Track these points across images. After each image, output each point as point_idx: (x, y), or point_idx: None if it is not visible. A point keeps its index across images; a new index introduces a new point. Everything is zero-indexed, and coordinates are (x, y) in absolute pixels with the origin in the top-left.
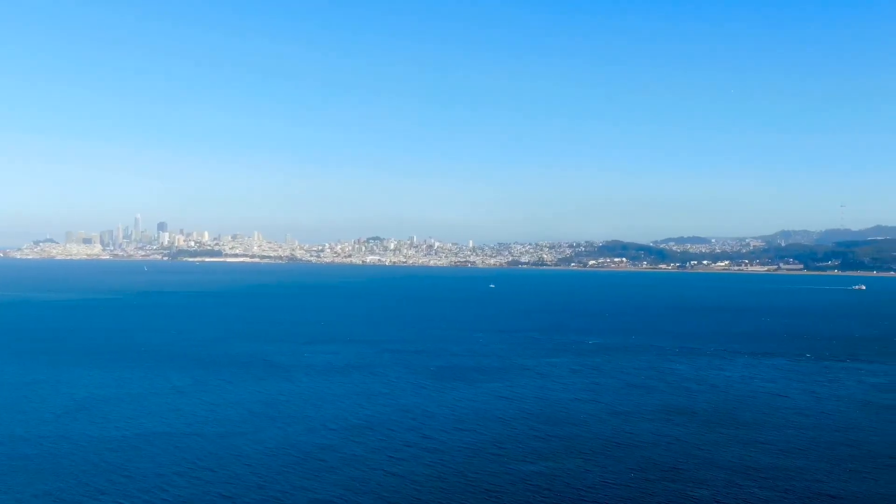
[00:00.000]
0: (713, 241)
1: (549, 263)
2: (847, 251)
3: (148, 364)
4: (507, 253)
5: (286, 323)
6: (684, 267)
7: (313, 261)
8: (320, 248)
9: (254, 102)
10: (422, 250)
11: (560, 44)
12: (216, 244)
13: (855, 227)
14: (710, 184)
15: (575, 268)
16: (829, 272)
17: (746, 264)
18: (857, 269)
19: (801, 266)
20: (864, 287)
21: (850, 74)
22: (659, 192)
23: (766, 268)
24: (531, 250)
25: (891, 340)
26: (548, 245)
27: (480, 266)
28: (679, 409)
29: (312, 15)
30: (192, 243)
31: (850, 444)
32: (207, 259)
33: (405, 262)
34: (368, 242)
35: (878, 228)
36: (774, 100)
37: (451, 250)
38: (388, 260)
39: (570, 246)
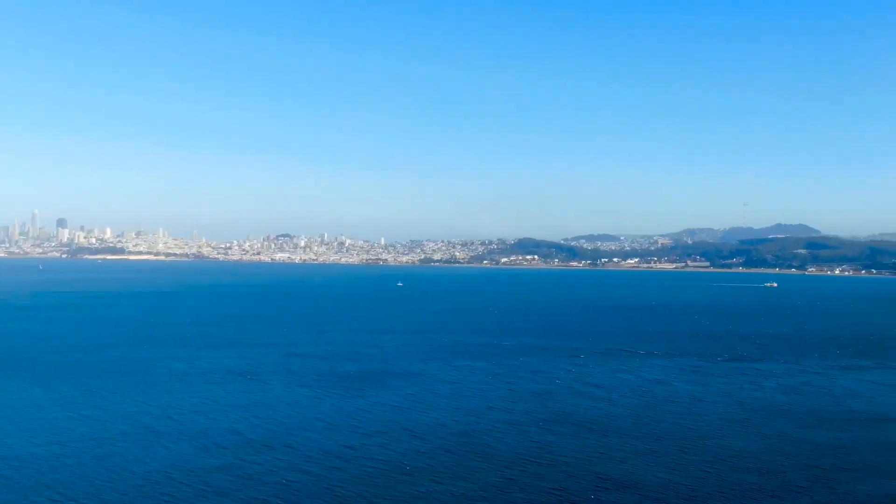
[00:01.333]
0: (622, 238)
1: (461, 261)
2: (751, 249)
3: (24, 374)
4: (419, 250)
5: (185, 325)
6: (595, 264)
7: (221, 258)
8: (228, 245)
9: (161, 91)
10: (333, 248)
11: (476, 35)
12: (119, 241)
13: (757, 225)
14: (619, 182)
15: (487, 265)
16: (734, 269)
17: (655, 262)
18: (760, 267)
19: (708, 264)
20: (775, 284)
21: (751, 76)
22: (570, 190)
23: (674, 265)
24: (444, 248)
25: (802, 339)
26: (460, 242)
27: (392, 263)
28: (600, 418)
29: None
30: (94, 241)
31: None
32: (109, 257)
33: (316, 259)
34: (278, 240)
35: (779, 227)
36: (677, 99)
37: (362, 248)
38: (299, 258)
39: (483, 243)
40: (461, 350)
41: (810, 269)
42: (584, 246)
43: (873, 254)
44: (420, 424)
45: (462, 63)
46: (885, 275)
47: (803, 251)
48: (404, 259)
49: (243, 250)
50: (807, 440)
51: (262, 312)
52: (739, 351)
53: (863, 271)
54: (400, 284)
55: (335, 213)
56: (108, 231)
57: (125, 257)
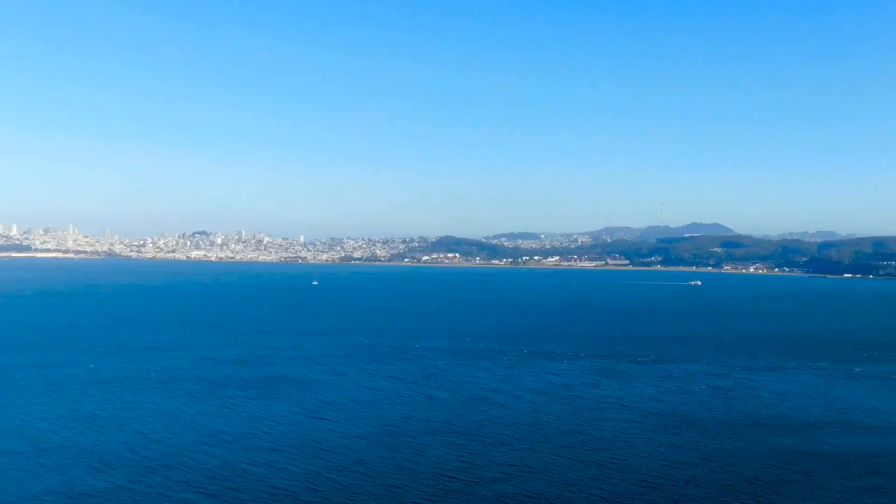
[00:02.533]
0: (543, 236)
1: (382, 259)
2: (668, 247)
3: None
4: (339, 248)
5: (83, 327)
6: (517, 263)
7: (134, 256)
8: (141, 242)
9: (68, 78)
10: (251, 245)
11: (399, 37)
12: (26, 239)
13: (673, 223)
14: (540, 180)
15: (408, 264)
16: (653, 267)
17: (576, 260)
18: (678, 265)
19: (628, 262)
20: (699, 283)
21: (665, 79)
22: (491, 188)
23: (594, 263)
24: (364, 245)
25: (727, 338)
26: (381, 240)
27: (312, 262)
28: (526, 427)
29: None
30: None
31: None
32: (14, 254)
33: (233, 257)
34: (194, 237)
35: (695, 225)
36: (594, 99)
37: (281, 245)
38: (215, 256)
39: (404, 241)
40: (379, 353)
41: (726, 267)
42: (506, 244)
43: (785, 252)
44: (335, 437)
45: (384, 57)
46: (797, 273)
47: (719, 250)
48: (324, 257)
49: (157, 248)
50: (736, 450)
51: (169, 314)
52: (668, 352)
53: (776, 269)
54: (315, 283)
55: (254, 210)
56: (14, 228)
57: (32, 255)
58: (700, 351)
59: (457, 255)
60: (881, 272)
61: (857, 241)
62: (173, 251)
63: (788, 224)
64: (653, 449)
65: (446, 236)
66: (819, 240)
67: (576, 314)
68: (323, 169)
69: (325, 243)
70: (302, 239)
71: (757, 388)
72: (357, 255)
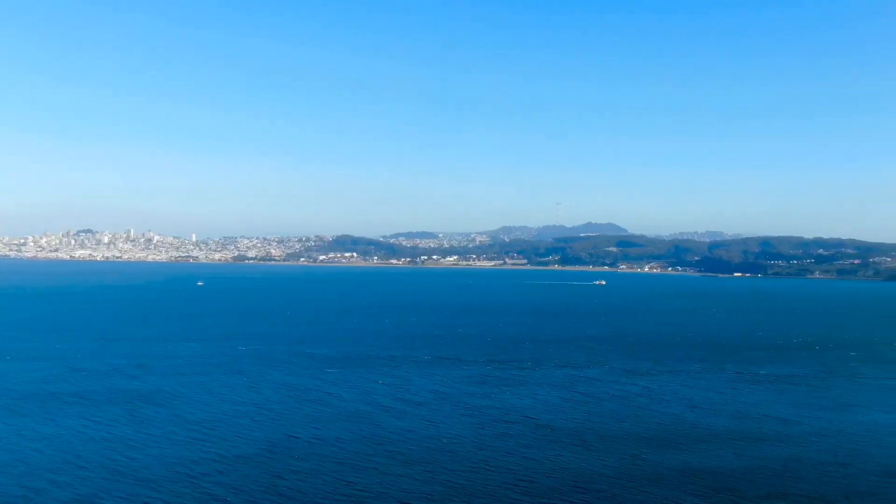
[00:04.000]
0: (441, 235)
1: (277, 258)
2: (566, 246)
3: None
4: (232, 247)
5: None
6: (415, 262)
7: (13, 255)
8: (22, 241)
9: None
10: (139, 244)
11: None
12: None
13: (569, 223)
14: (438, 179)
15: (305, 263)
16: (550, 267)
17: (475, 259)
18: (575, 264)
19: (526, 261)
20: (604, 282)
21: (559, 77)
22: (389, 187)
23: (493, 263)
24: (259, 245)
25: (627, 340)
26: (276, 239)
27: (204, 261)
28: (427, 444)
29: None
30: None
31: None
32: None
33: (120, 257)
34: (79, 235)
35: (590, 225)
36: (491, 100)
37: (172, 244)
38: (101, 255)
39: (300, 240)
40: (266, 362)
41: (622, 267)
42: (404, 243)
43: (677, 251)
44: (210, 460)
45: (278, 43)
46: (690, 272)
47: (615, 249)
48: (217, 257)
49: (39, 247)
50: (654, 467)
51: (39, 319)
52: (572, 356)
53: (669, 268)
54: (200, 284)
55: (144, 207)
56: None
57: None
58: (605, 354)
59: (354, 254)
60: (769, 271)
61: (745, 241)
62: (56, 250)
63: (679, 224)
64: (559, 467)
65: (343, 235)
66: (708, 240)
67: (479, 316)
68: (217, 165)
69: (218, 242)
70: (194, 238)
71: (664, 396)
72: (251, 254)
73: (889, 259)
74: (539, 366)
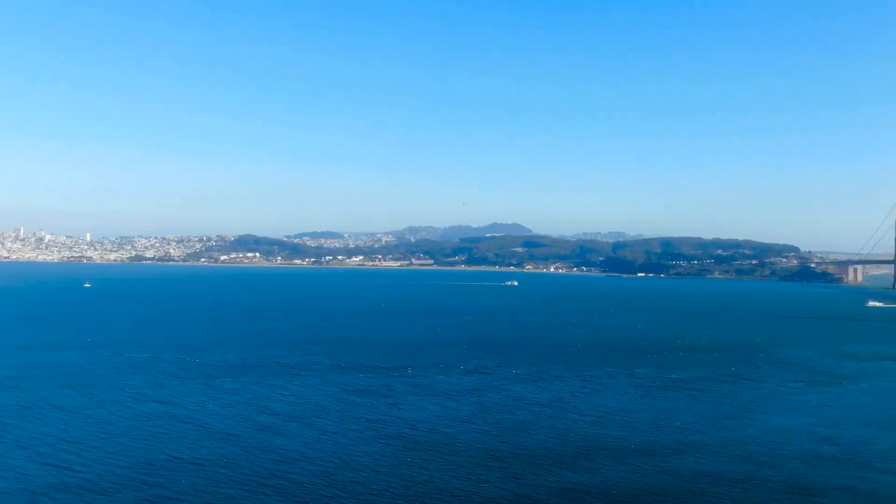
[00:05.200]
0: (346, 235)
1: (177, 259)
2: (472, 247)
3: None
4: (129, 247)
5: None
6: (319, 262)
7: None
8: None
9: None
10: (30, 244)
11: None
12: None
13: (475, 223)
14: (342, 178)
15: (205, 264)
16: (457, 267)
17: (380, 259)
18: (482, 265)
19: (432, 261)
20: (516, 283)
21: (464, 76)
22: (293, 186)
23: (399, 263)
24: (157, 245)
25: (534, 342)
26: (175, 239)
27: (99, 262)
28: (324, 465)
29: None
30: None
31: None
32: None
33: (8, 257)
34: None
35: (496, 225)
36: (393, 97)
37: (65, 244)
38: None
39: (201, 240)
40: (150, 371)
41: (528, 267)
42: (308, 243)
43: (582, 252)
44: (73, 491)
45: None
46: (595, 272)
47: (521, 249)
48: (112, 257)
49: None
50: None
51: None
52: (481, 361)
53: (574, 269)
54: (88, 285)
55: (35, 205)
56: None
57: None
58: (515, 359)
59: (257, 254)
60: (671, 271)
61: (647, 241)
62: None
63: (584, 224)
64: (469, 492)
65: (246, 235)
66: (612, 240)
67: (384, 319)
68: (114, 162)
69: (114, 242)
70: (88, 237)
71: (576, 404)
72: (149, 254)
73: (784, 260)
74: (447, 372)
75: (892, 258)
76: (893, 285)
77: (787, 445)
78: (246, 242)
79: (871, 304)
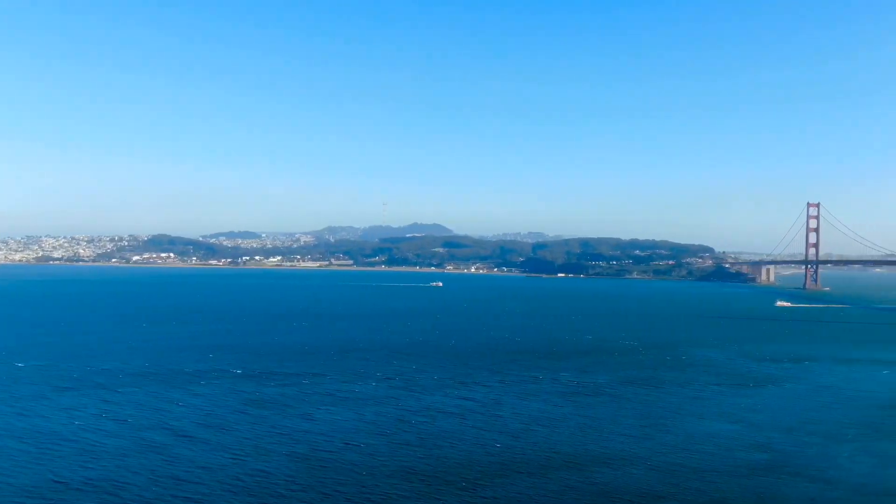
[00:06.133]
0: (264, 236)
1: (86, 259)
2: (392, 247)
3: None
4: (36, 247)
5: None
6: (236, 263)
7: None
8: None
9: None
10: None
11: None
12: None
13: (395, 223)
14: (260, 178)
15: (116, 264)
16: (377, 267)
17: (299, 260)
18: (402, 265)
19: (352, 262)
20: (441, 284)
21: (380, 78)
22: (209, 185)
23: (318, 263)
24: (66, 244)
25: (457, 346)
26: (85, 239)
27: (3, 262)
28: (218, 488)
29: None
30: None
31: None
32: None
33: None
34: None
35: (416, 226)
36: (310, 97)
37: None
38: None
39: (112, 240)
40: (44, 381)
41: (448, 267)
42: (225, 243)
43: (503, 252)
44: None
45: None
46: (515, 273)
47: (441, 250)
48: (17, 257)
49: None
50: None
51: None
52: (402, 366)
53: (495, 269)
54: None
55: None
56: None
57: None
58: (438, 363)
59: (171, 254)
60: (590, 272)
61: (567, 242)
62: None
63: (504, 225)
64: None
65: (160, 235)
66: (532, 241)
67: (301, 322)
68: (19, 158)
69: (19, 242)
70: None
71: (501, 412)
72: (57, 254)
73: (700, 260)
74: (365, 379)
75: (802, 259)
76: (804, 285)
77: (719, 453)
78: (160, 242)
79: (780, 303)
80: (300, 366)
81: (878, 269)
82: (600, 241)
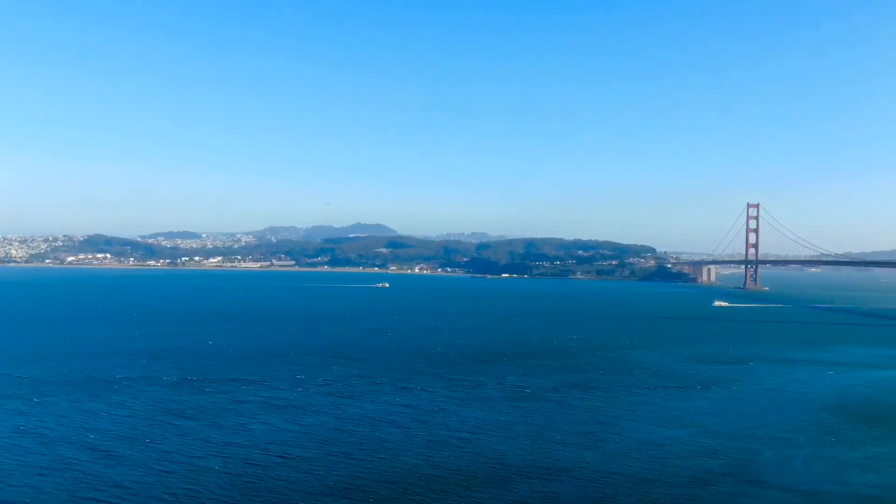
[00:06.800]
0: (205, 236)
1: (18, 260)
2: (335, 247)
3: None
4: None
5: None
6: (175, 264)
7: None
8: None
9: None
10: None
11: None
12: None
13: (338, 223)
14: (200, 177)
15: (50, 265)
16: (319, 268)
17: (240, 260)
18: (345, 266)
19: (294, 263)
20: (387, 285)
21: (321, 76)
22: (147, 185)
23: (259, 264)
24: None
25: (397, 348)
26: (18, 239)
27: None
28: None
29: None
30: None
31: None
32: None
33: None
34: None
35: (359, 226)
36: (255, 95)
37: None
38: None
39: (46, 240)
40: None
41: (392, 268)
42: (164, 244)
43: (447, 252)
44: None
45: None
46: (459, 273)
47: (385, 250)
48: None
49: None
50: None
51: None
52: (344, 371)
53: (439, 269)
54: None
55: None
56: None
57: None
58: (381, 368)
59: (108, 255)
60: (534, 272)
61: (511, 242)
62: None
63: (448, 225)
64: None
65: (96, 235)
66: (476, 241)
67: (239, 326)
68: None
69: None
70: None
71: (447, 419)
72: None
73: (642, 260)
74: (305, 384)
75: (742, 259)
76: (744, 285)
77: (674, 461)
78: (96, 243)
79: (717, 303)
80: (237, 372)
81: (813, 269)
82: (544, 241)
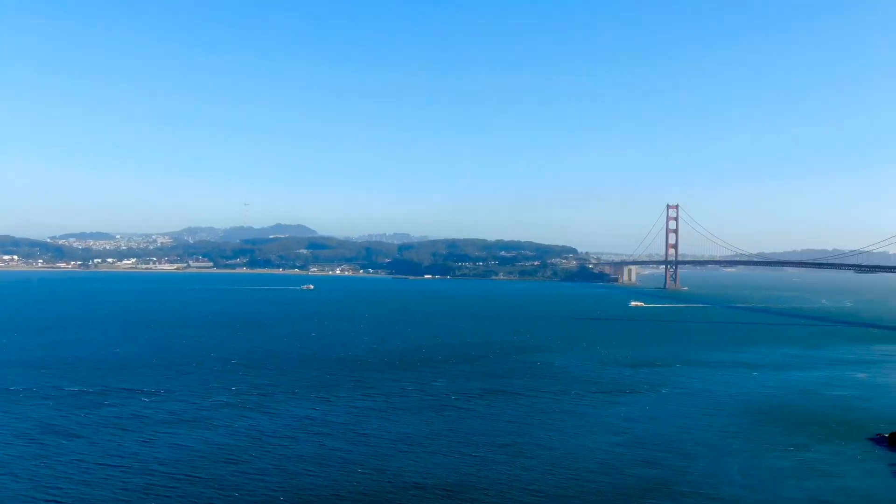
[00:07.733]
0: (119, 237)
1: None
2: (254, 248)
3: None
4: None
5: None
6: (87, 265)
7: None
8: None
9: None
10: None
11: None
12: None
13: (258, 224)
14: (114, 176)
15: None
16: (238, 269)
17: (155, 262)
18: (265, 267)
19: (211, 264)
20: (312, 287)
21: (234, 72)
22: (58, 185)
23: (175, 266)
24: None
25: (314, 354)
26: None
27: None
28: None
29: None
30: None
31: None
32: None
33: None
34: None
35: (280, 227)
36: (169, 93)
37: None
38: None
39: None
40: None
41: (312, 269)
42: (75, 245)
43: (369, 254)
44: None
45: None
46: (382, 274)
47: (305, 251)
48: None
49: None
50: None
51: None
52: (260, 380)
53: (361, 271)
54: None
55: None
56: None
57: None
58: (298, 375)
59: (15, 256)
60: (457, 273)
61: (433, 243)
62: None
63: (369, 226)
64: None
65: (3, 236)
66: (398, 242)
67: (151, 331)
68: None
69: None
70: None
71: (368, 430)
72: None
73: (564, 261)
74: (215, 394)
75: (662, 259)
76: (664, 285)
77: (605, 472)
78: (3, 244)
79: (633, 304)
80: (144, 381)
81: (730, 269)
82: (466, 242)
